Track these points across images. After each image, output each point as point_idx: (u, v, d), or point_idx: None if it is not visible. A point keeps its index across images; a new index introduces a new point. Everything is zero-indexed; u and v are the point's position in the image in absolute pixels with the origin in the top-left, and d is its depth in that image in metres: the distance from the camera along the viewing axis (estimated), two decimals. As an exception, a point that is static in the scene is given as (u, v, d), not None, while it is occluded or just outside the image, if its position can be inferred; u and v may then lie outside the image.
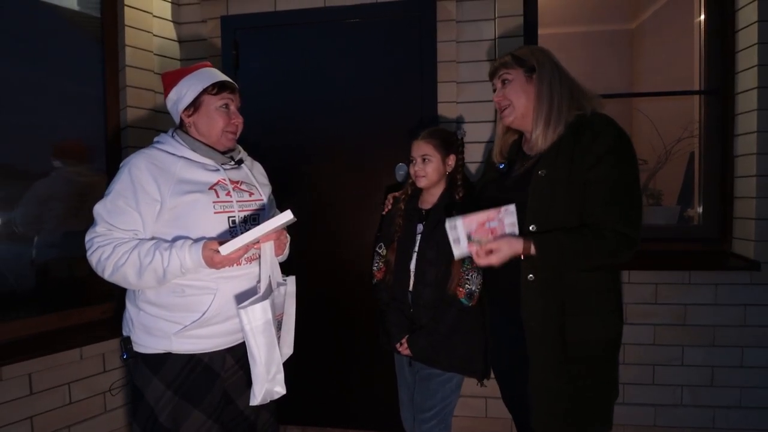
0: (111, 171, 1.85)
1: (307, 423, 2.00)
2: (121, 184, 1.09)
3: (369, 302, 1.85)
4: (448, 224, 1.10)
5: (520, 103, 1.19)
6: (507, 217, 1.10)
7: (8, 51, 1.61)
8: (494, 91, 1.27)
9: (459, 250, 1.11)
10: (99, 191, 1.79)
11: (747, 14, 1.72)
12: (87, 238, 1.10)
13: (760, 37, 1.66)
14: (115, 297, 1.86)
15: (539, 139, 1.15)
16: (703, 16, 1.89)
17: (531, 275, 1.12)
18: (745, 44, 1.74)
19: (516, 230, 1.11)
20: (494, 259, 1.08)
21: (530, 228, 1.12)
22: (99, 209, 1.10)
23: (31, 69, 1.66)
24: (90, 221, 1.13)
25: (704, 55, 1.88)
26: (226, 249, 1.01)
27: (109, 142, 1.85)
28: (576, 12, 2.75)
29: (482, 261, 1.09)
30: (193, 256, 1.05)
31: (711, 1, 1.85)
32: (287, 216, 1.03)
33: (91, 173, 1.84)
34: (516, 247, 1.08)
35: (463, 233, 1.09)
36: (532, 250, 1.09)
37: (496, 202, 1.20)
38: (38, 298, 1.70)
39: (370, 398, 1.94)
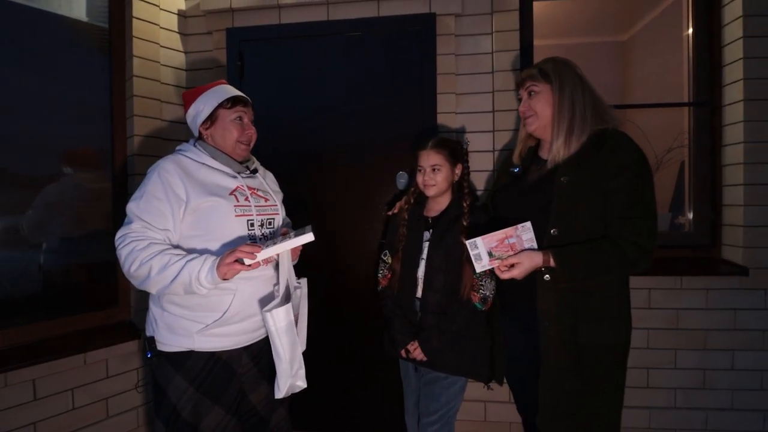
0: (116, 178, 1.88)
1: (314, 428, 2.00)
2: (152, 186, 1.15)
3: (373, 308, 1.88)
4: (469, 243, 1.16)
5: (545, 115, 1.26)
6: (524, 233, 1.16)
7: (18, 61, 1.64)
8: (519, 100, 1.33)
9: (480, 265, 1.17)
10: (108, 198, 1.84)
11: (732, 30, 1.80)
12: (120, 233, 1.15)
13: (745, 52, 1.73)
14: (119, 303, 1.88)
15: (560, 149, 1.21)
16: (691, 30, 1.96)
17: (547, 275, 1.16)
18: (731, 59, 1.81)
19: (535, 245, 1.17)
20: (516, 272, 1.14)
21: (552, 232, 1.17)
22: (133, 208, 1.15)
23: (40, 78, 1.69)
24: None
25: (693, 68, 1.95)
26: (256, 258, 1.08)
27: (115, 150, 1.88)
28: (570, 24, 2.83)
29: (505, 275, 1.16)
30: (208, 265, 1.11)
31: (699, 17, 1.92)
32: (310, 237, 1.12)
33: (101, 180, 1.87)
34: (536, 260, 1.14)
35: (484, 250, 1.16)
36: (552, 262, 1.14)
37: (511, 209, 1.24)
38: (46, 303, 1.71)
39: (375, 405, 1.96)
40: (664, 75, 2.45)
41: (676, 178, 2.22)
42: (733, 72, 1.80)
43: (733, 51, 1.79)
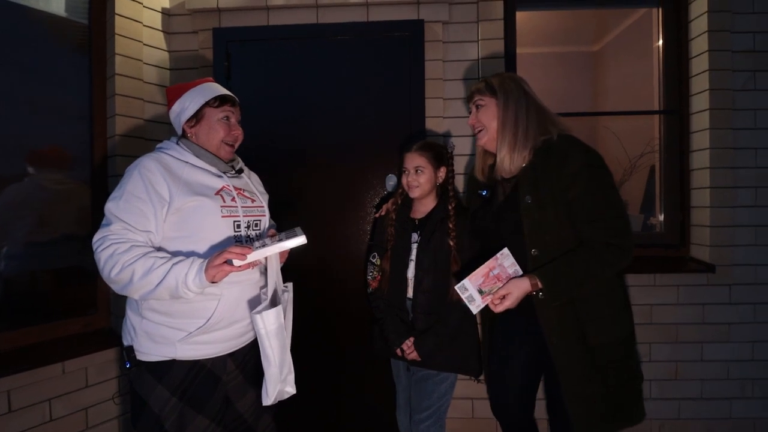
0: (96, 179, 1.81)
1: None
2: (132, 184, 1.10)
3: (359, 310, 1.89)
4: (459, 288, 1.18)
5: (492, 127, 1.29)
6: (505, 260, 1.18)
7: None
8: (469, 113, 1.36)
9: (475, 306, 1.19)
10: (78, 200, 1.78)
11: (699, 44, 1.92)
12: (98, 236, 1.08)
13: (710, 64, 1.86)
14: (99, 310, 1.81)
15: (505, 160, 1.24)
16: (661, 41, 2.08)
17: (541, 294, 1.18)
18: (697, 70, 1.94)
19: (518, 268, 1.19)
20: (508, 303, 1.16)
21: (532, 252, 1.19)
22: (112, 209, 1.09)
23: (14, 75, 1.61)
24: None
25: (662, 77, 2.07)
26: (246, 259, 1.04)
27: (94, 151, 1.82)
28: (550, 33, 2.93)
29: (499, 308, 1.18)
30: (195, 268, 1.06)
31: (668, 29, 2.05)
32: (302, 240, 1.10)
33: (69, 181, 1.78)
34: (524, 286, 1.16)
35: (474, 290, 1.18)
36: (539, 284, 1.16)
37: (488, 236, 1.28)
38: (6, 312, 1.60)
39: (365, 406, 1.96)
40: (637, 84, 2.58)
41: (647, 182, 2.34)
42: (700, 83, 1.92)
43: (700, 63, 1.92)
